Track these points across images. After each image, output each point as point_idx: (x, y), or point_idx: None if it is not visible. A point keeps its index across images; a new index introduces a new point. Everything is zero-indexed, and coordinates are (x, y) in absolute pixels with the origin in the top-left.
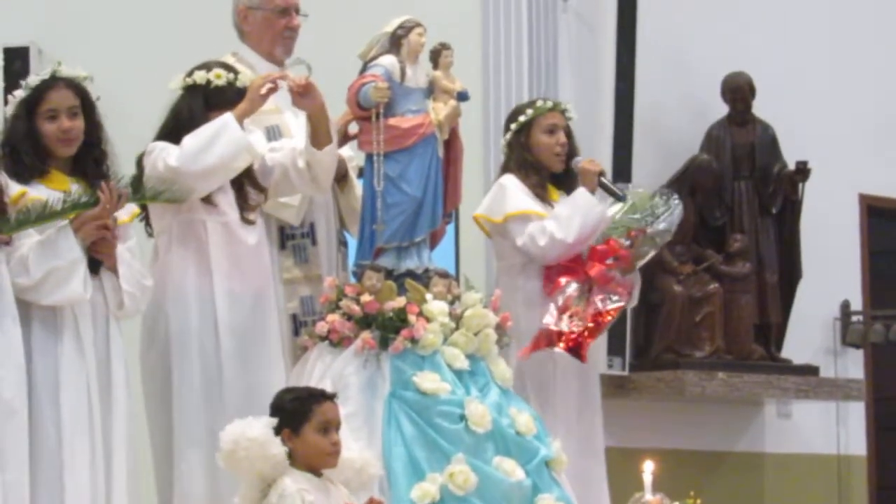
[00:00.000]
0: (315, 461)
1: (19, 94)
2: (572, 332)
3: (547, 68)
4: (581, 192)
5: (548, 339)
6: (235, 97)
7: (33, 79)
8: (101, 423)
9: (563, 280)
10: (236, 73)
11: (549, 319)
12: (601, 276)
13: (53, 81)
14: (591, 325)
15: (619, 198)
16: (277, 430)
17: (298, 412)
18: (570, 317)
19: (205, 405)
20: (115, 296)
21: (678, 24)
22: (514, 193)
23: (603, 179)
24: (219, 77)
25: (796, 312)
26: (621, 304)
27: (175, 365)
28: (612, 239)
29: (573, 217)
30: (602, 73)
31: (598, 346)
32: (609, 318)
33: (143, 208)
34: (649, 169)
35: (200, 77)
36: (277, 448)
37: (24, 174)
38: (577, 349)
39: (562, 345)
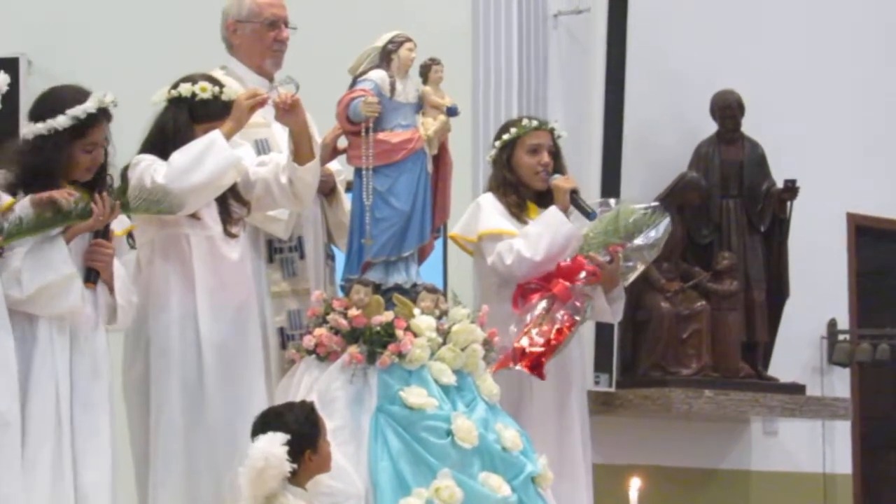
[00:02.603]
0: (325, 469)
1: (62, 120)
2: (533, 350)
3: (536, 84)
4: (552, 210)
5: (511, 357)
6: (221, 110)
7: (77, 110)
8: (77, 435)
9: (535, 298)
10: (221, 85)
11: (514, 337)
12: (564, 293)
13: (101, 117)
14: (552, 341)
15: (588, 215)
16: (298, 452)
17: (315, 429)
18: (536, 334)
19: (183, 422)
20: (106, 308)
21: (668, 41)
22: (488, 213)
23: (575, 196)
24: (204, 90)
25: (783, 330)
26: (577, 319)
27: (154, 381)
28: (579, 255)
29: (542, 235)
30: (591, 89)
31: (585, 363)
32: (565, 334)
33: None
34: (638, 186)
35: (186, 90)
36: (288, 466)
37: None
38: (537, 366)
39: (521, 363)
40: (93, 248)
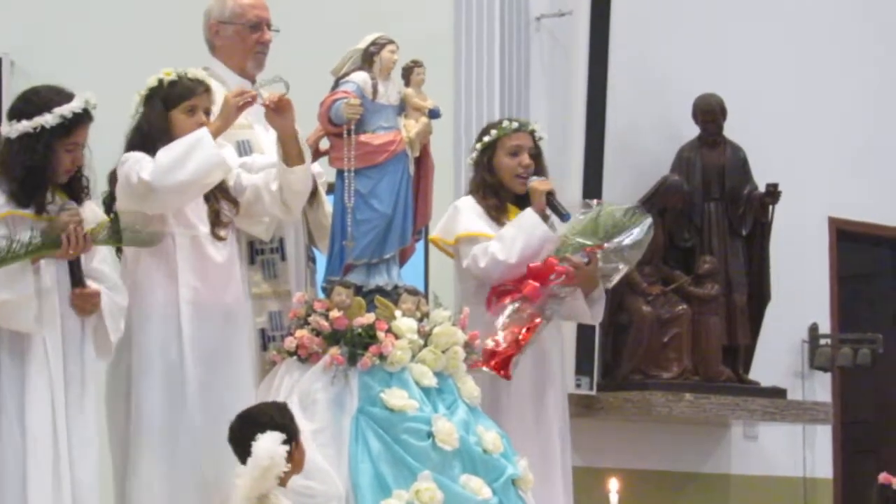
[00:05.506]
0: (300, 468)
1: (50, 119)
2: (500, 350)
3: (519, 87)
4: (527, 213)
5: (484, 359)
6: (190, 86)
7: (64, 109)
8: (72, 447)
9: (507, 300)
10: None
11: (487, 339)
12: (533, 294)
13: (85, 118)
14: (519, 341)
15: (562, 217)
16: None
17: (294, 424)
18: (503, 335)
19: (163, 423)
20: (100, 338)
21: (651, 44)
22: (466, 215)
23: (551, 198)
24: (168, 74)
25: (764, 335)
26: (540, 319)
27: (136, 381)
28: (551, 257)
29: (517, 237)
30: (574, 92)
31: (565, 365)
32: (529, 335)
33: (113, 213)
34: (620, 189)
35: (152, 81)
36: (285, 465)
37: (27, 199)
38: (504, 367)
39: (489, 365)
40: (76, 301)
